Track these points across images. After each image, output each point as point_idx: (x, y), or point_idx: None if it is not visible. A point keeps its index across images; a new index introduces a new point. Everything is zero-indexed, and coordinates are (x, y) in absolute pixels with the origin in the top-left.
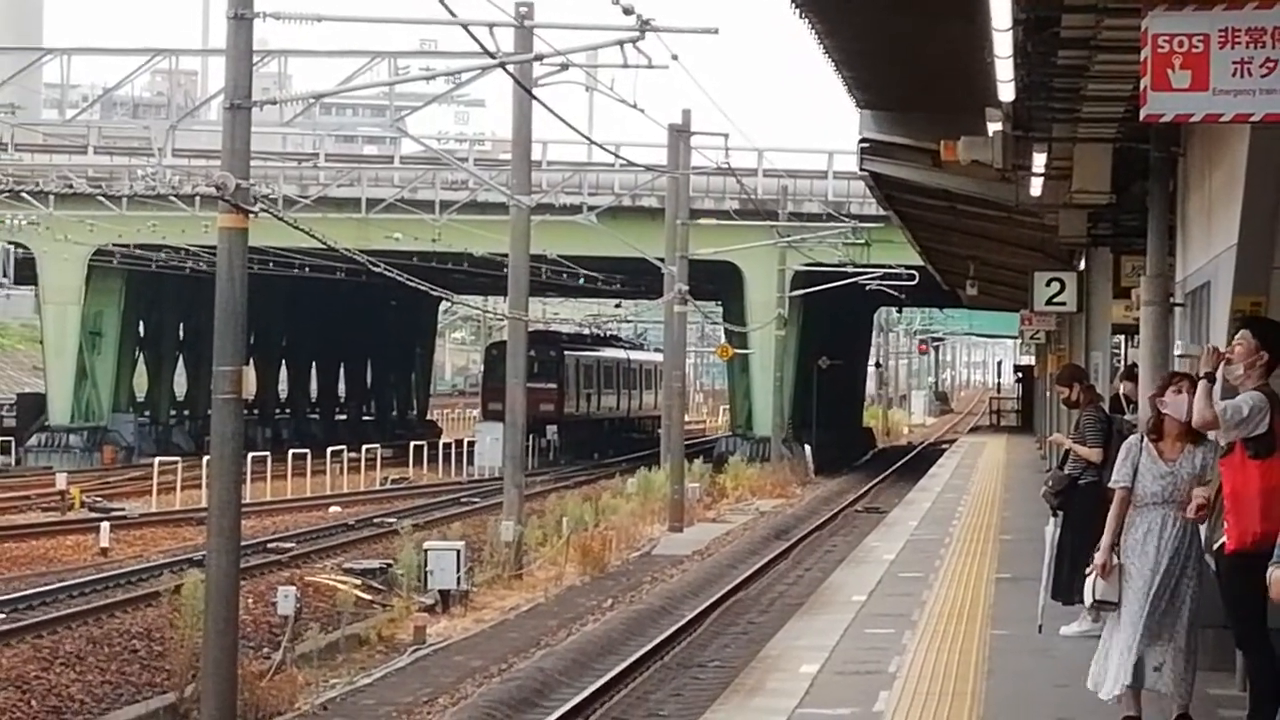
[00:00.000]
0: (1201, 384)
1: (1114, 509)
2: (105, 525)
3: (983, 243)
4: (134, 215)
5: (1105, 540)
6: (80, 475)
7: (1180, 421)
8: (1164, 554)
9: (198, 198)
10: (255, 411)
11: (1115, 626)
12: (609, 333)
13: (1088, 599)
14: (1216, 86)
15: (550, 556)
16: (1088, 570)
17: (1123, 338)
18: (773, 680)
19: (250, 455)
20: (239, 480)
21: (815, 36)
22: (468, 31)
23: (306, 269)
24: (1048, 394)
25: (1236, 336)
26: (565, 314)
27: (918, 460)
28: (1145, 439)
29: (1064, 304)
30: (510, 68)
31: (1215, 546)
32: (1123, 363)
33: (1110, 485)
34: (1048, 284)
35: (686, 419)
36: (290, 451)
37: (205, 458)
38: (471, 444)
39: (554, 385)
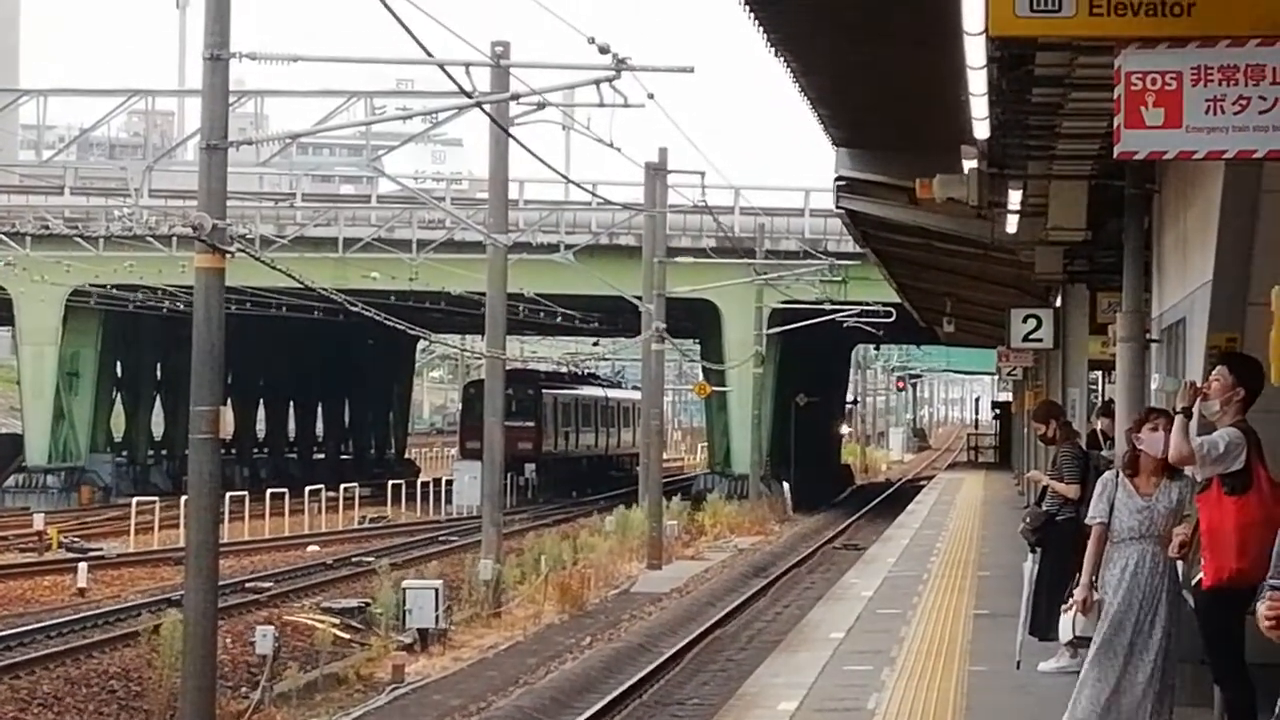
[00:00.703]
0: (1178, 419)
1: (1091, 545)
2: (83, 565)
3: (959, 279)
4: (111, 256)
5: (1084, 576)
6: (58, 515)
7: (1156, 457)
8: (1141, 589)
9: (174, 238)
10: (233, 451)
11: (1093, 662)
12: (587, 371)
13: (1065, 635)
14: (1190, 124)
15: (529, 595)
16: (1065, 606)
17: (1100, 374)
18: (751, 718)
19: (228, 495)
20: (217, 520)
21: (791, 75)
22: (444, 71)
23: (284, 309)
24: (1025, 430)
25: (1213, 373)
26: (543, 352)
27: (896, 497)
28: (1121, 474)
29: (1040, 340)
30: (487, 107)
31: (1193, 582)
32: (1100, 399)
33: (1086, 521)
34: (1024, 320)
35: (665, 456)
36: (268, 491)
37: (183, 497)
38: (449, 482)
39: (532, 424)
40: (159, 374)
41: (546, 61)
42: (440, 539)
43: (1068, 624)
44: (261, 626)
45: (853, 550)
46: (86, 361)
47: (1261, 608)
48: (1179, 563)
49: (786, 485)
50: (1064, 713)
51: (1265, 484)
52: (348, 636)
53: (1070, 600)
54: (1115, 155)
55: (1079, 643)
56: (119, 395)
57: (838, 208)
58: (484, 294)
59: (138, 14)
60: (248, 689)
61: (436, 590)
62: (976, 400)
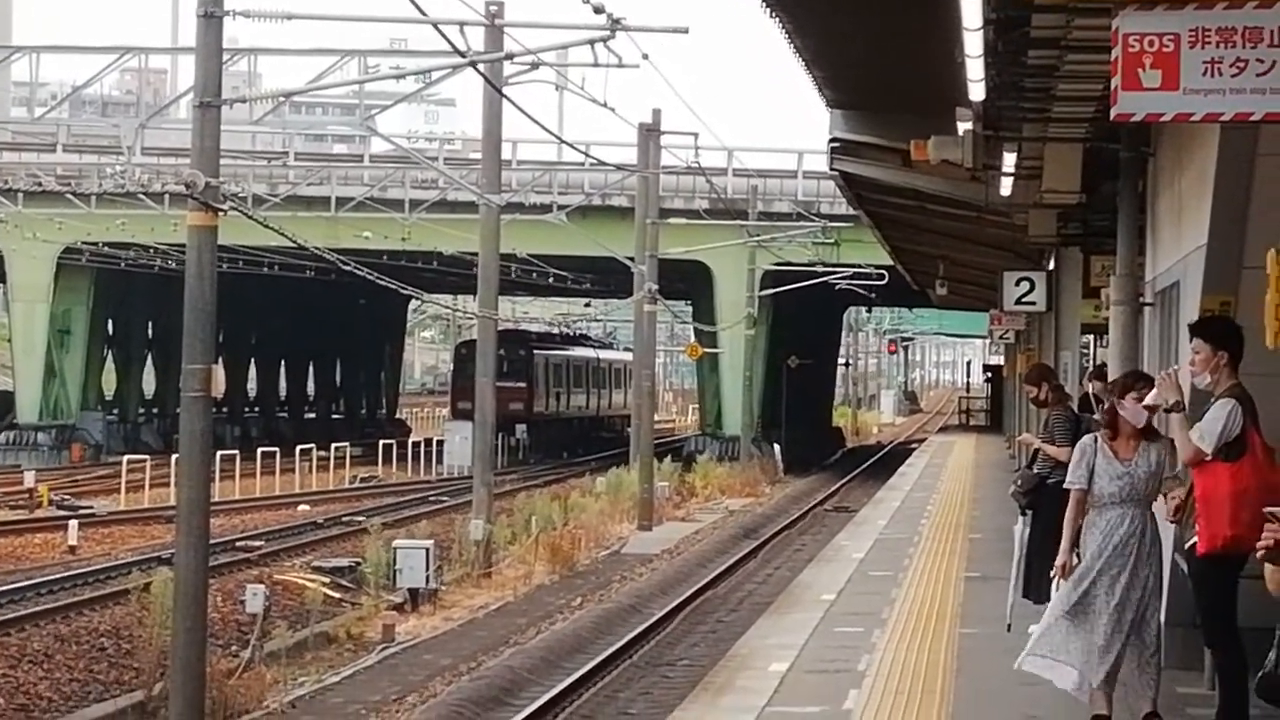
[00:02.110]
0: (1175, 419)
1: (1070, 510)
2: (73, 523)
3: (952, 242)
4: (103, 213)
5: (1064, 541)
6: (48, 473)
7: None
8: (1125, 552)
9: (167, 196)
10: (224, 410)
11: (1076, 618)
12: (578, 332)
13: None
14: (1187, 86)
15: (519, 555)
16: (1053, 572)
17: (1092, 337)
18: (742, 679)
19: (219, 454)
20: (208, 478)
21: (785, 35)
22: (438, 30)
23: (276, 267)
24: (1017, 394)
25: (1192, 347)
26: (535, 313)
27: (887, 459)
28: (1099, 440)
29: (1033, 304)
30: (480, 66)
31: (1186, 546)
32: (1092, 362)
33: (1065, 486)
34: (1017, 284)
35: (656, 418)
36: (259, 450)
37: (174, 456)
38: (440, 443)
39: (523, 384)
40: (150, 332)
41: (541, 21)
42: (431, 499)
43: (1055, 588)
44: (252, 585)
45: (844, 513)
46: (78, 319)
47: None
48: (1173, 526)
49: (778, 447)
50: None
51: (1259, 449)
52: (338, 596)
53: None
54: (1112, 117)
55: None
56: (110, 353)
57: (831, 169)
58: (476, 254)
59: None
60: (238, 647)
61: (427, 550)
62: (968, 364)
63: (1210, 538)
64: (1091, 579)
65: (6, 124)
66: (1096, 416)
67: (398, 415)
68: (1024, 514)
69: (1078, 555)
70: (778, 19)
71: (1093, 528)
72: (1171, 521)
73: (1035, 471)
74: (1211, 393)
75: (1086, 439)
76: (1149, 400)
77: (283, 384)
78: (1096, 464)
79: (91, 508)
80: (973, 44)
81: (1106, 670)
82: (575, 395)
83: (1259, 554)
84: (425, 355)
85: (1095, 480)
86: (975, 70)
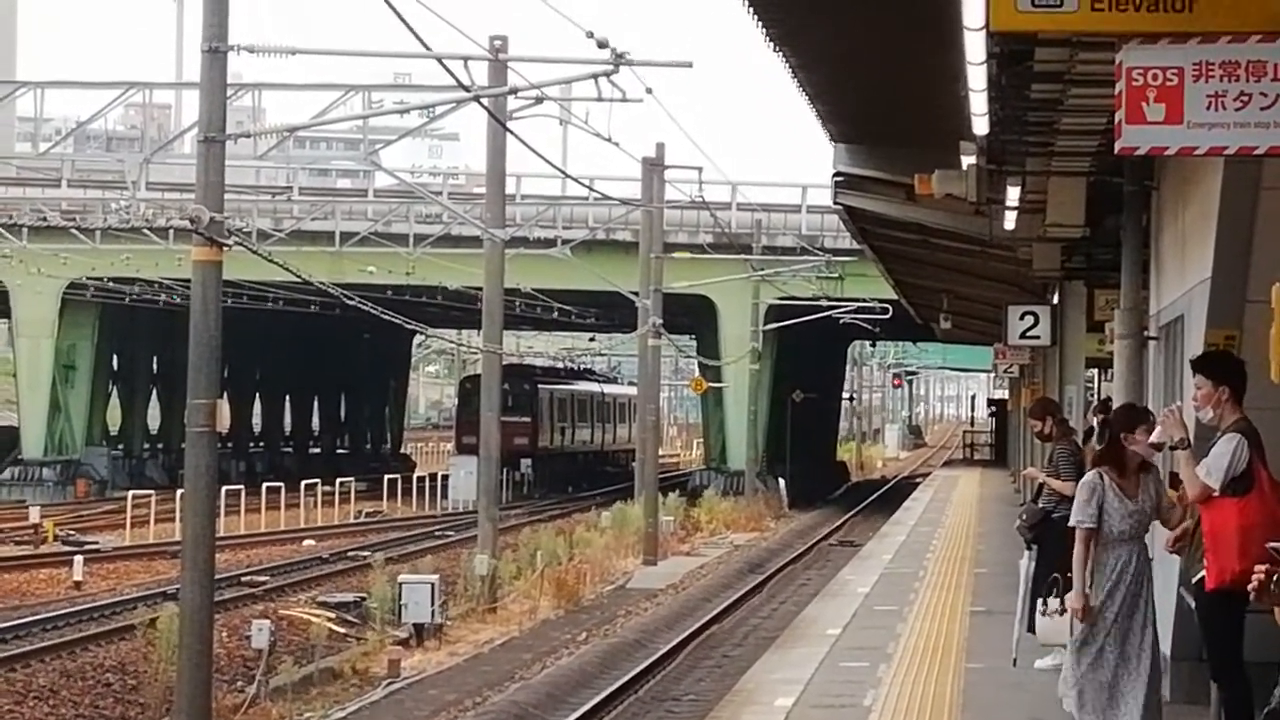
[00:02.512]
0: (1182, 456)
1: (1079, 549)
2: (79, 558)
3: (956, 276)
4: (108, 248)
5: (1077, 582)
6: (53, 508)
7: (1142, 456)
8: (1126, 586)
9: (172, 231)
10: (229, 445)
11: (1098, 659)
12: (583, 366)
13: (1046, 636)
14: (1191, 120)
15: (524, 590)
16: (1046, 611)
17: (1096, 371)
18: (747, 714)
19: (224, 488)
20: (213, 513)
21: (789, 70)
22: (442, 65)
23: (280, 302)
24: (1021, 428)
25: (1194, 383)
26: (539, 348)
27: (892, 494)
28: (1107, 477)
29: (1038, 338)
30: (485, 101)
31: (1194, 581)
32: (1097, 396)
33: (1073, 524)
34: (1021, 318)
35: (661, 452)
36: (264, 485)
37: (179, 491)
38: (445, 477)
39: (528, 419)
40: (155, 367)
41: (544, 56)
42: (436, 534)
43: (1051, 628)
44: (257, 620)
45: (849, 547)
46: (83, 354)
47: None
48: (1177, 558)
49: (782, 481)
50: (1060, 709)
51: (1266, 484)
52: (343, 631)
53: (1048, 604)
54: (1116, 151)
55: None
56: (115, 388)
57: (835, 203)
58: (481, 289)
59: (135, 7)
60: (243, 683)
61: (432, 585)
62: (972, 398)
63: (1219, 573)
64: (1109, 620)
65: (11, 159)
66: (1096, 446)
67: (403, 450)
68: (1029, 548)
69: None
70: (782, 54)
71: (1102, 567)
72: (1171, 552)
73: (1040, 506)
74: (1216, 428)
75: (1092, 476)
76: (1154, 438)
77: (288, 419)
78: (1106, 502)
79: (97, 543)
80: (976, 78)
81: (1118, 708)
82: (580, 430)
83: (1250, 593)
84: (430, 390)
85: (1105, 518)
86: (979, 104)
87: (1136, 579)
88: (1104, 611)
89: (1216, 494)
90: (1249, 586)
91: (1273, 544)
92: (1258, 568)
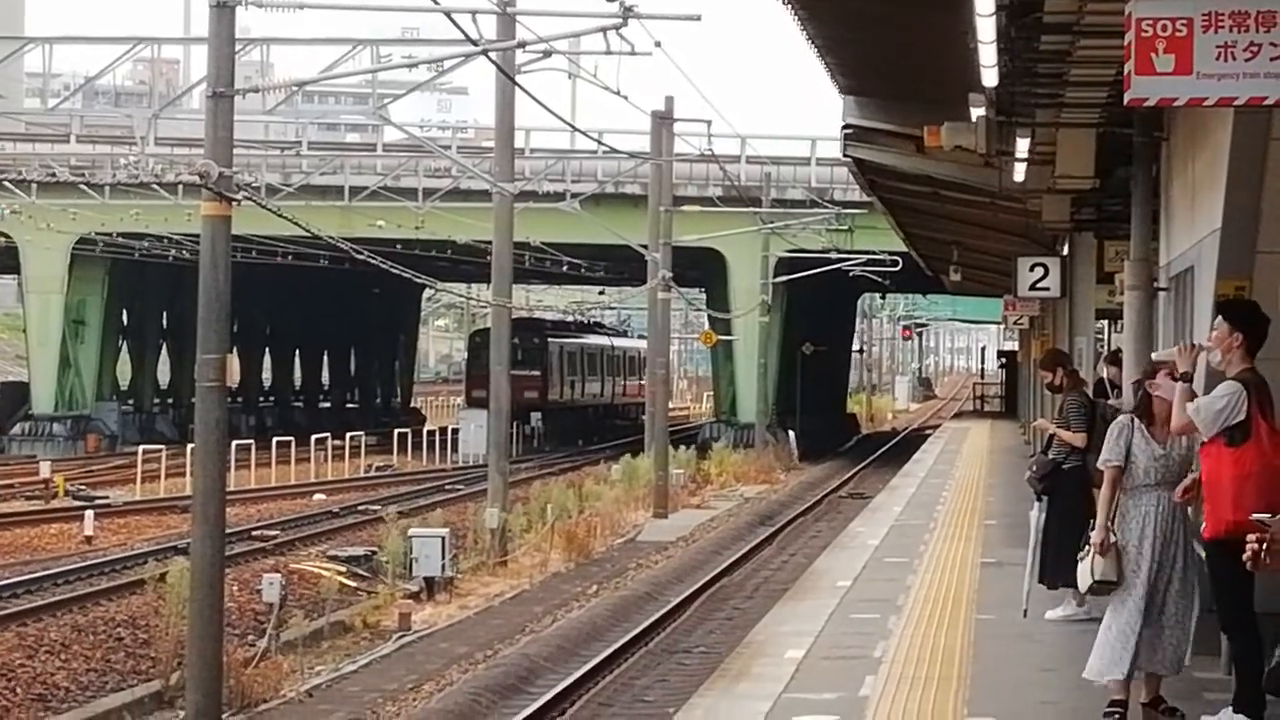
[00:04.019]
0: (1180, 387)
1: (1105, 488)
2: (89, 513)
3: (966, 228)
4: (117, 204)
5: (1100, 518)
6: (64, 464)
7: (1169, 403)
8: (1160, 537)
9: (180, 186)
10: (239, 399)
11: (1114, 611)
12: (592, 320)
13: (1084, 582)
14: (1200, 70)
15: (535, 543)
16: (1081, 554)
17: (1106, 322)
18: (758, 665)
19: (234, 443)
20: (223, 468)
21: (798, 22)
22: (450, 19)
23: (290, 257)
24: (1031, 379)
25: (1214, 324)
26: (549, 301)
27: (902, 446)
28: (1137, 421)
29: (1047, 289)
30: (493, 55)
31: (1200, 530)
32: (1106, 347)
33: (1100, 464)
34: (1031, 269)
35: (670, 405)
36: (274, 439)
37: (189, 446)
38: (455, 431)
39: (538, 373)
40: (165, 322)
41: (553, 9)
42: (446, 488)
43: (1086, 570)
44: (268, 574)
45: (859, 499)
46: (92, 310)
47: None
48: (1190, 509)
49: (792, 434)
50: (1070, 660)
51: (1265, 435)
52: (354, 584)
53: (1086, 547)
54: (1125, 102)
55: (1099, 588)
56: (125, 343)
57: (845, 156)
58: (490, 242)
59: None
60: (254, 637)
61: (443, 538)
62: (983, 349)
63: (1215, 522)
64: (1147, 568)
65: (20, 115)
66: (1112, 401)
67: (412, 404)
68: (1039, 499)
69: (1112, 531)
70: (791, 6)
71: (1126, 511)
72: (1180, 502)
73: (1050, 457)
74: (1223, 375)
75: (1123, 418)
76: (1162, 355)
77: (297, 373)
78: (1134, 443)
79: (107, 498)
80: (985, 29)
81: (1131, 657)
82: (590, 383)
83: (1247, 563)
84: (439, 344)
85: (1132, 461)
86: (988, 56)
87: (1165, 526)
88: (1136, 559)
89: (1205, 441)
90: (1244, 557)
91: (1258, 515)
92: (1249, 538)
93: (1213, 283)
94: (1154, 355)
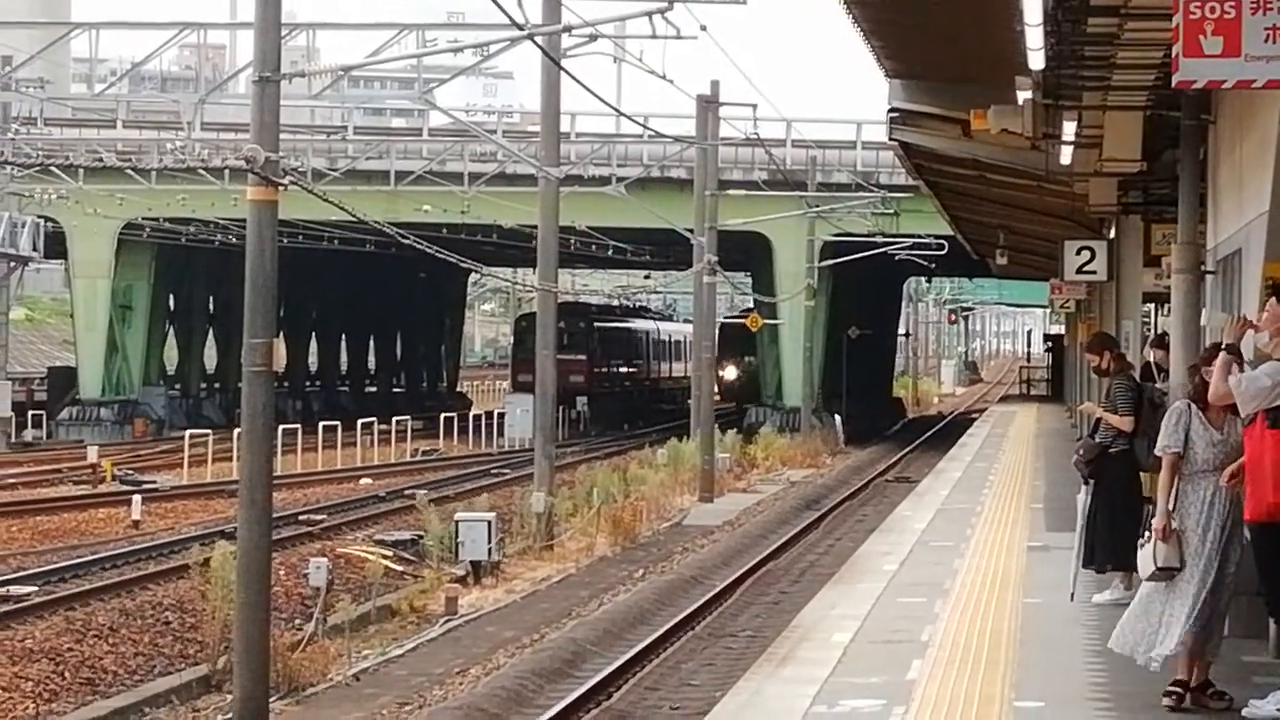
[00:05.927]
0: (1222, 357)
1: (1165, 474)
2: (137, 498)
3: (1012, 212)
4: (163, 189)
5: (1160, 505)
6: (111, 448)
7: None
8: (1219, 522)
9: (227, 171)
10: (285, 384)
11: (1169, 593)
12: (638, 304)
13: (1147, 567)
14: (1249, 53)
15: (581, 527)
16: (1142, 541)
17: (1153, 306)
18: (805, 650)
19: (281, 428)
20: (270, 452)
21: (844, 6)
22: (495, 3)
23: (336, 241)
24: (1078, 363)
25: (1269, 304)
26: (594, 286)
27: (948, 430)
28: (1194, 406)
29: (1094, 273)
30: (539, 39)
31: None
32: (1153, 331)
33: (1158, 451)
34: (1078, 253)
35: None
36: (321, 424)
37: (236, 430)
38: (501, 415)
39: (584, 357)
40: (211, 307)
41: None
42: (492, 472)
43: (1148, 557)
44: (315, 559)
45: (905, 483)
46: (139, 294)
47: None
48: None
49: (838, 418)
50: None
51: None
52: (400, 569)
53: (1146, 534)
54: (1173, 85)
55: (1161, 575)
56: (171, 328)
57: (890, 139)
58: (535, 227)
59: None
60: (301, 621)
61: (489, 522)
62: (1029, 333)
63: (1255, 504)
64: (1207, 553)
65: (67, 100)
66: (1159, 385)
67: (458, 388)
68: (1086, 483)
69: (1173, 517)
70: None
71: (1186, 499)
72: (1227, 485)
73: (1097, 441)
74: (1269, 356)
75: (1180, 404)
76: (1213, 319)
77: (344, 358)
78: (1193, 429)
79: (154, 482)
80: (1032, 12)
81: (1185, 638)
82: (635, 367)
83: None
84: (485, 328)
85: (1190, 446)
86: (1035, 39)
87: (1225, 511)
88: (1199, 544)
89: (1242, 412)
90: None
91: None
92: None
93: (1260, 266)
94: (1203, 320)
